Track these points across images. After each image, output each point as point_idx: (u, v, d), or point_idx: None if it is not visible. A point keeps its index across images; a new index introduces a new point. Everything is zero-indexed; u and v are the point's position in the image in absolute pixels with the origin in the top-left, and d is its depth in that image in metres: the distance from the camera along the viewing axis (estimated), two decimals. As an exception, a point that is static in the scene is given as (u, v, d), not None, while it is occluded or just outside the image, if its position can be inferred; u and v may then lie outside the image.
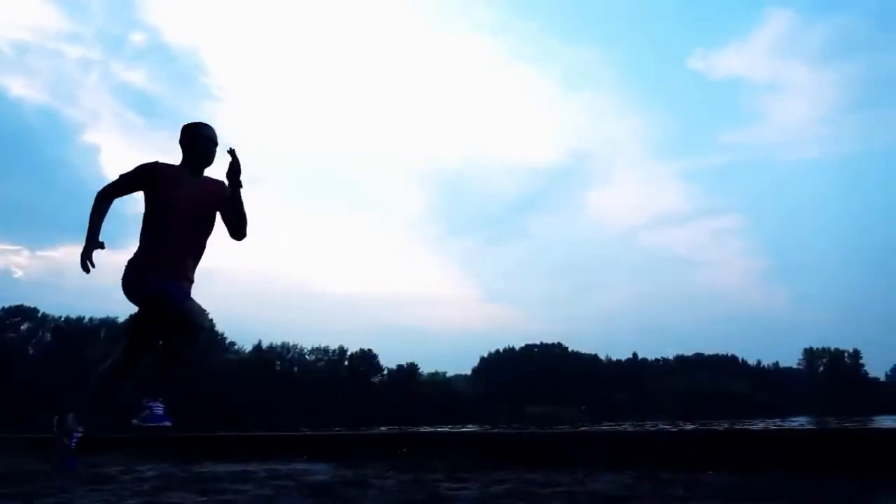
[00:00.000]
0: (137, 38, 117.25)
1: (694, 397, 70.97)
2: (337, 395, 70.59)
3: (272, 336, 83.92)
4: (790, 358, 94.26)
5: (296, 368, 77.30)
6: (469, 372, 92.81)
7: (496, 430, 5.26)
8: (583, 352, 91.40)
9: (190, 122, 3.15)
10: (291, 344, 79.55)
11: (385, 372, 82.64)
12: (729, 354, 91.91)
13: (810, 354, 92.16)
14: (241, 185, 3.01)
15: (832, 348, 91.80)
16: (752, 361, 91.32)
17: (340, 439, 3.32)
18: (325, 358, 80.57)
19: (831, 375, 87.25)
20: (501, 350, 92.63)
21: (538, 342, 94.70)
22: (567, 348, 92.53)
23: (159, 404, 2.83)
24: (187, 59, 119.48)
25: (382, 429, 7.65)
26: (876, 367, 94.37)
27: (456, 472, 2.28)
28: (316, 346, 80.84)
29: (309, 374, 74.87)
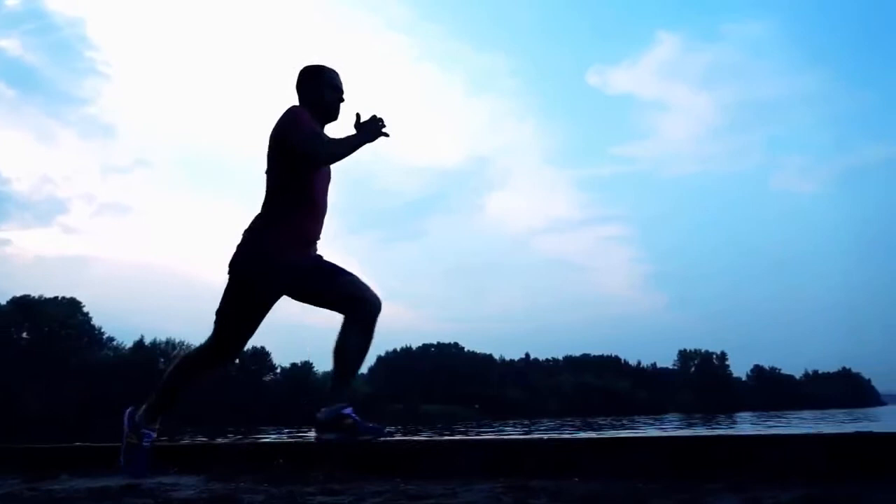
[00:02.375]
0: (11, 1, 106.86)
1: (580, 395, 74.59)
2: (226, 395, 67.72)
3: (155, 331, 78.92)
4: (666, 359, 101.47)
5: (181, 367, 73.32)
6: (366, 371, 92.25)
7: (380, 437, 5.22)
8: (478, 351, 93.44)
9: (313, 64, 2.55)
10: (177, 340, 75.52)
11: (278, 370, 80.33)
12: (613, 355, 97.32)
13: (684, 356, 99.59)
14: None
15: (703, 350, 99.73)
16: (633, 362, 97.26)
17: (214, 449, 3.17)
18: (214, 356, 77.16)
19: (701, 375, 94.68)
20: (399, 349, 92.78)
21: (435, 342, 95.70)
22: (463, 348, 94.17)
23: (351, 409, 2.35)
24: (70, 29, 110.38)
25: (267, 437, 7.43)
26: (738, 368, 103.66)
27: (331, 483, 2.24)
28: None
29: (195, 373, 71.35)
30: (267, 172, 2.44)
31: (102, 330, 61.96)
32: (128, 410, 2.61)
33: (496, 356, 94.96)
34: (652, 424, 19.22)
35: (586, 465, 2.27)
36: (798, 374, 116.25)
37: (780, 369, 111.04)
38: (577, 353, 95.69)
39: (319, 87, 2.51)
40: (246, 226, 2.42)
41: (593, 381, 79.87)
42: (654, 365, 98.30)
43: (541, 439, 2.50)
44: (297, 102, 2.53)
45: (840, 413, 33.55)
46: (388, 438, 2.60)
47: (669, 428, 15.59)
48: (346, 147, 2.29)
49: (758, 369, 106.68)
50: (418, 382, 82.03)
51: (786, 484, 1.87)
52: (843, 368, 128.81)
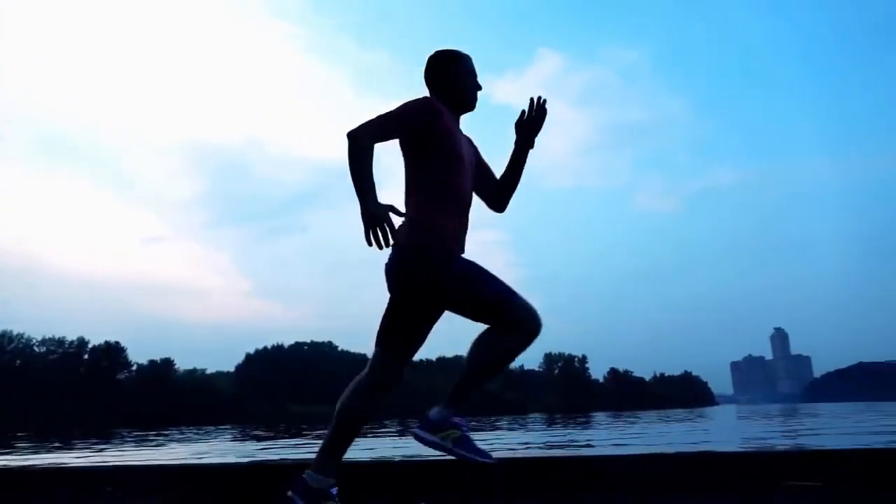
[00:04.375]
0: None
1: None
2: (71, 393, 61.87)
3: (-5, 324, 70.34)
4: (533, 361, 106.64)
5: (18, 361, 66.05)
6: (232, 369, 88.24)
7: (218, 460, 4.89)
8: (353, 351, 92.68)
9: (447, 49, 2.31)
10: (15, 333, 68.05)
11: (134, 368, 74.71)
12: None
13: (549, 359, 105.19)
14: (532, 146, 2.33)
15: (567, 353, 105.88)
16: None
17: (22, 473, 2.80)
18: (60, 350, 70.22)
19: (564, 377, 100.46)
20: (270, 347, 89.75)
21: (309, 340, 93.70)
22: (337, 347, 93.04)
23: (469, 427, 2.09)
24: None
25: (90, 460, 6.83)
26: (597, 371, 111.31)
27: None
28: (48, 336, 70.18)
29: (37, 369, 64.56)
30: (406, 168, 2.20)
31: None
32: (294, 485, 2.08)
33: (370, 355, 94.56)
34: (522, 425, 20.14)
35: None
36: (647, 377, 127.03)
37: (632, 372, 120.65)
38: (450, 353, 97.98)
39: (459, 75, 2.26)
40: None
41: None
42: (521, 367, 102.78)
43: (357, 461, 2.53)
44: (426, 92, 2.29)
45: (681, 412, 36.93)
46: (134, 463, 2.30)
47: (534, 428, 16.47)
48: (360, 182, 1.96)
49: (613, 372, 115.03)
50: (288, 382, 79.84)
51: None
52: (685, 372, 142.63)
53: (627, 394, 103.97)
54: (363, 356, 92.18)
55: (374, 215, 1.89)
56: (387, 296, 2.06)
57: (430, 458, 2.28)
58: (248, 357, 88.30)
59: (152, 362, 75.46)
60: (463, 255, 2.14)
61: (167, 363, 76.14)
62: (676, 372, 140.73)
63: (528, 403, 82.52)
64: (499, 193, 2.36)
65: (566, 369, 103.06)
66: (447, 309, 2.09)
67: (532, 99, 2.27)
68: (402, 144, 2.15)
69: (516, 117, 2.28)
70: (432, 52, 2.31)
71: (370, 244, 1.88)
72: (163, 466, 2.52)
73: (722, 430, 11.45)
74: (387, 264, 2.08)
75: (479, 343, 2.07)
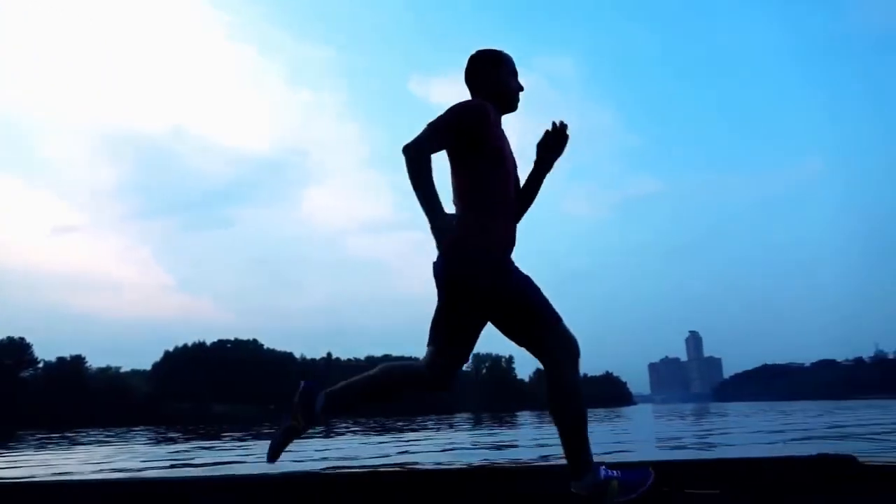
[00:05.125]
0: None
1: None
2: (-33, 392, 57.37)
3: None
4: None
5: None
6: (148, 367, 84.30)
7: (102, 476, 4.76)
8: (278, 349, 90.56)
9: (489, 49, 2.24)
10: None
11: (41, 365, 70.14)
12: (412, 356, 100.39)
13: (476, 359, 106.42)
14: (550, 170, 2.25)
15: (494, 354, 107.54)
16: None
17: None
18: (-45, 346, 65.06)
19: (491, 377, 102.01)
20: (190, 345, 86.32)
21: (232, 338, 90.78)
22: (262, 345, 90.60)
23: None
24: None
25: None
26: (523, 371, 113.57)
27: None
28: (-58, 331, 64.96)
29: (-74, 367, 59.62)
30: (455, 172, 2.12)
31: None
32: (303, 383, 2.12)
33: (297, 354, 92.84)
34: (449, 425, 20.27)
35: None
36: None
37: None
38: (379, 353, 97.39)
39: (504, 75, 2.21)
40: None
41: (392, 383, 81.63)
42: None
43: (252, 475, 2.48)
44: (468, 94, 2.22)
45: (602, 411, 38.31)
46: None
47: (461, 427, 16.60)
48: (425, 197, 1.93)
49: (539, 371, 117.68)
50: (210, 381, 77.08)
51: None
52: (607, 373, 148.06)
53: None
54: (289, 354, 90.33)
55: (443, 229, 1.91)
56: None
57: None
58: (168, 355, 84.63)
59: (61, 359, 71.13)
60: (516, 266, 2.10)
61: (78, 361, 71.96)
62: (599, 372, 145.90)
63: (455, 404, 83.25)
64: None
65: (493, 369, 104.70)
66: (491, 320, 2.05)
67: (554, 123, 2.19)
68: (450, 149, 2.09)
69: (541, 136, 2.20)
70: (475, 52, 2.24)
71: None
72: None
73: (640, 430, 11.95)
74: (436, 267, 2.04)
75: (553, 397, 2.01)
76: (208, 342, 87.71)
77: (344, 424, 19.48)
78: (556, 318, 2.05)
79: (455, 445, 8.49)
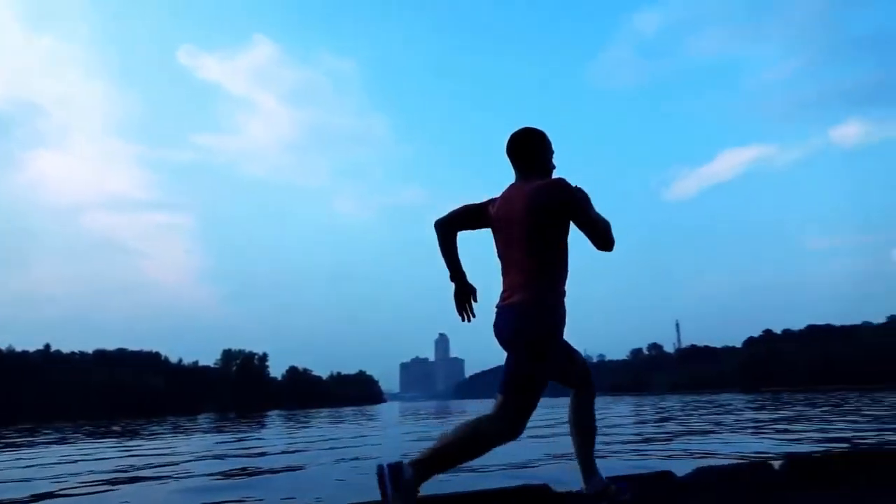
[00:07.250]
0: None
1: (113, 394, 68.27)
2: None
3: None
4: (210, 357, 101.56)
5: None
6: None
7: None
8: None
9: (535, 127, 2.41)
10: None
11: None
12: (153, 351, 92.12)
13: (228, 355, 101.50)
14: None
15: (247, 350, 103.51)
16: (173, 359, 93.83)
17: None
18: None
19: (242, 375, 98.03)
20: None
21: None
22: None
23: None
24: None
25: None
26: (277, 369, 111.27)
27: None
28: None
29: None
30: (529, 240, 2.25)
31: None
32: (385, 465, 2.08)
33: (3, 346, 79.12)
34: (188, 428, 19.70)
35: None
36: (325, 376, 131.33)
37: (311, 371, 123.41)
38: (112, 346, 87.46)
39: (549, 153, 2.44)
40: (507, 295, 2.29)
41: (129, 378, 74.12)
42: (196, 363, 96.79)
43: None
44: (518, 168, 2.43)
45: (352, 410, 39.08)
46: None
47: (205, 427, 16.32)
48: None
49: (292, 370, 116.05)
50: None
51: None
52: (360, 371, 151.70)
53: (305, 392, 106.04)
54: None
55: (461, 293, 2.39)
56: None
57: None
58: None
59: None
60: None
61: None
62: (353, 371, 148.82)
63: (201, 403, 78.49)
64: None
65: (245, 367, 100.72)
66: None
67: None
68: (541, 219, 2.22)
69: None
70: (531, 129, 2.41)
71: (463, 319, 2.38)
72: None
73: (386, 430, 12.72)
74: (515, 332, 2.23)
75: (576, 416, 2.48)
76: None
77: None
78: (587, 369, 2.49)
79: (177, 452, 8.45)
